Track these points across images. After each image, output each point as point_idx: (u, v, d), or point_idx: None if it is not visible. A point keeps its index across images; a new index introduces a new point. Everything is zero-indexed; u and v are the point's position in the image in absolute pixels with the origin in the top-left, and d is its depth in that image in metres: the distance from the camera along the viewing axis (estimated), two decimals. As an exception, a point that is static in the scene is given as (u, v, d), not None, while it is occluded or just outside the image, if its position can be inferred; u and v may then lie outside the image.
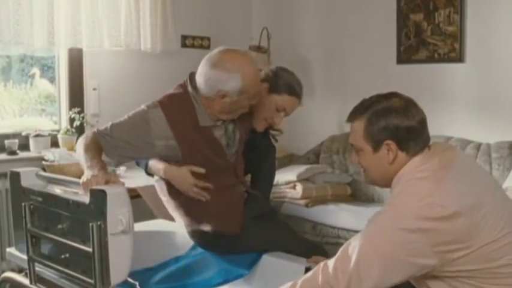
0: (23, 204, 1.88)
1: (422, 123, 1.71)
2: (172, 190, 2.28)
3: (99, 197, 1.64)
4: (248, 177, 2.61)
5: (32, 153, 3.55)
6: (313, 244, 2.53)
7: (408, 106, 1.70)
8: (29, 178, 1.96)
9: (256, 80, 2.21)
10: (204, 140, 2.20)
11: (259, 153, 2.56)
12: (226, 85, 2.13)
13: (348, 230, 3.33)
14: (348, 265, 1.57)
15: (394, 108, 1.69)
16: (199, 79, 2.18)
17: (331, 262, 1.62)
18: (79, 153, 2.06)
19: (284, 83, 2.42)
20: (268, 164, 2.64)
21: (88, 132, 2.21)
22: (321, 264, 1.64)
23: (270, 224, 2.40)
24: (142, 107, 2.18)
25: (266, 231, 2.34)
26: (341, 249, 1.63)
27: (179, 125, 2.15)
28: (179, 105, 2.19)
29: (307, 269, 1.93)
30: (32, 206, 1.87)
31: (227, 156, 2.27)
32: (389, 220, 1.58)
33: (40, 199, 1.86)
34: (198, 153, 2.20)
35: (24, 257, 1.94)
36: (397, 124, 1.68)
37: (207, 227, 2.27)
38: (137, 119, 2.15)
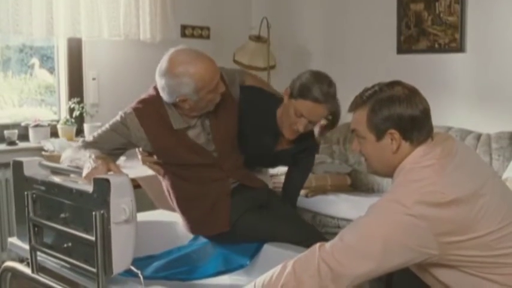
0: (25, 193, 1.87)
1: (426, 112, 1.69)
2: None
3: (102, 186, 1.63)
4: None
5: (32, 143, 3.55)
6: (314, 232, 2.45)
7: (412, 95, 1.68)
8: (32, 167, 1.95)
9: (208, 74, 2.11)
10: (179, 144, 2.21)
11: (302, 156, 2.54)
12: (181, 90, 2.11)
13: (347, 220, 3.31)
14: (347, 247, 1.57)
15: (397, 97, 1.67)
16: (159, 89, 2.18)
17: (328, 244, 1.61)
18: (72, 159, 2.03)
19: (300, 85, 2.23)
20: (307, 160, 2.62)
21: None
22: (317, 245, 1.62)
23: (268, 214, 2.34)
24: (120, 113, 2.21)
25: (263, 222, 2.29)
26: (339, 233, 1.63)
27: (153, 131, 2.19)
28: (152, 110, 2.19)
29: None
30: (34, 195, 1.87)
31: (209, 153, 2.26)
32: (392, 205, 1.57)
33: (43, 188, 1.86)
34: (174, 157, 2.24)
35: (26, 246, 1.94)
36: (400, 113, 1.66)
37: (188, 228, 2.34)
38: (118, 125, 2.19)
